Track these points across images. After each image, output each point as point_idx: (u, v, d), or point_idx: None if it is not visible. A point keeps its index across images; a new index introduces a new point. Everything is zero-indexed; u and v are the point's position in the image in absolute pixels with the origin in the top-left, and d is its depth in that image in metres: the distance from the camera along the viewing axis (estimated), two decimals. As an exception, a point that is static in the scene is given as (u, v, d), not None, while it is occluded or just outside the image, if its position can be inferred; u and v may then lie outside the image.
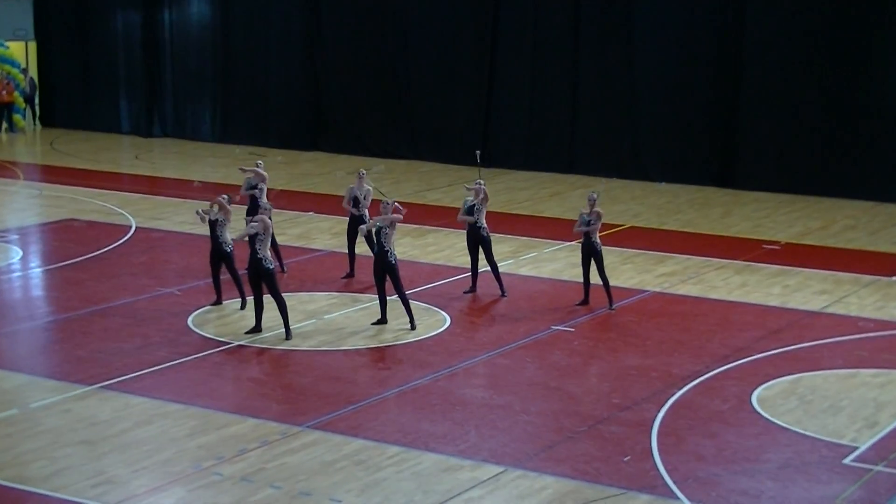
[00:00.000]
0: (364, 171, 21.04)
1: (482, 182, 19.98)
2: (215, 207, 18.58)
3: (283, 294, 17.34)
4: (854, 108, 29.11)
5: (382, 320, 17.90)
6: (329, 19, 35.50)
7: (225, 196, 18.82)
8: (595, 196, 19.20)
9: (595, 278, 19.08)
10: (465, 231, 19.97)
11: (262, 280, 17.19)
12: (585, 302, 19.25)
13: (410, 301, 17.95)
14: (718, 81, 30.52)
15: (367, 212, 20.60)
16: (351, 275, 20.74)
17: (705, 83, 30.67)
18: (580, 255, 19.28)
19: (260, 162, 22.25)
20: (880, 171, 28.98)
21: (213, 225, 18.58)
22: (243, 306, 18.58)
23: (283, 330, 17.24)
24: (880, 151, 29.01)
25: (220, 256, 18.71)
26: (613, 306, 19.07)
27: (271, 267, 17.27)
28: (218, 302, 18.88)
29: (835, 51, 29.21)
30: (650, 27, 31.21)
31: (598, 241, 18.97)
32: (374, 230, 18.13)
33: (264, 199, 20.36)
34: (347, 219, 20.86)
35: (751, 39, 30.13)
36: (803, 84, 29.58)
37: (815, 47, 29.40)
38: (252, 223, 17.28)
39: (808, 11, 29.48)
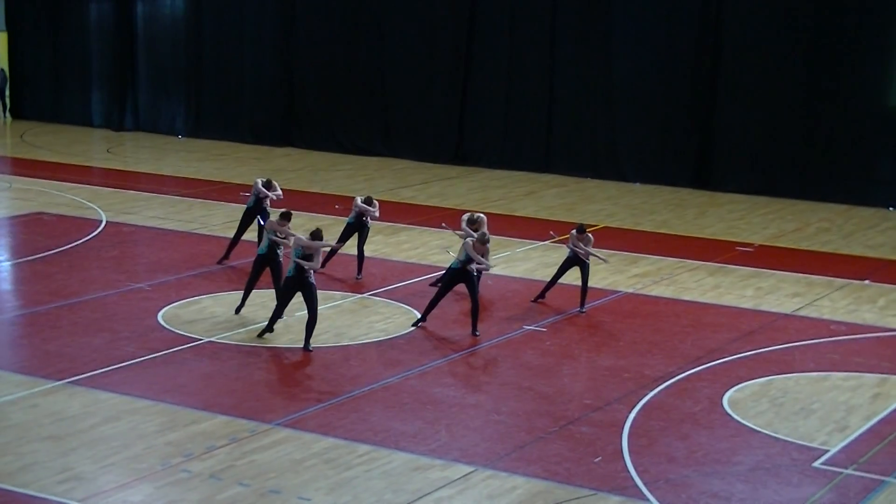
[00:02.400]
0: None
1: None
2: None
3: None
4: (830, 111, 29.23)
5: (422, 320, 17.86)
6: (303, 14, 35.37)
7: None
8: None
9: (567, 280, 19.08)
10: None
11: (301, 291, 16.76)
12: (542, 297, 19.29)
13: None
14: (695, 83, 30.58)
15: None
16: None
17: (682, 84, 30.72)
18: (563, 258, 19.23)
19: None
20: (855, 175, 29.12)
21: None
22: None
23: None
24: (855, 155, 29.14)
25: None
26: (584, 309, 19.03)
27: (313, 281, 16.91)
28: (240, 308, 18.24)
29: (812, 55, 29.31)
30: (628, 27, 31.23)
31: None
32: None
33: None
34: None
35: (728, 42, 30.20)
36: (780, 87, 29.67)
37: (792, 51, 29.49)
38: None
39: (785, 15, 29.56)
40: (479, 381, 15.84)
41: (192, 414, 14.09)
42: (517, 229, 24.73)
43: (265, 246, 17.92)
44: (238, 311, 18.10)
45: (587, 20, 31.71)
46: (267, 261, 17.91)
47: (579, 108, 32.02)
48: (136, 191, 28.00)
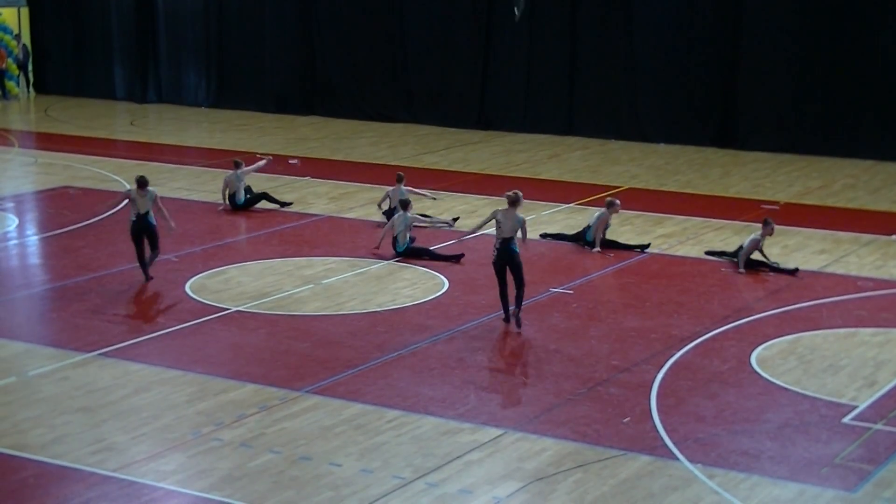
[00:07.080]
0: None
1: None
2: None
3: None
4: (853, 66, 28.98)
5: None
6: (324, -18, 35.31)
7: None
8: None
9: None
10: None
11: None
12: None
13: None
14: (717, 41, 30.38)
15: None
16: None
17: (704, 43, 30.53)
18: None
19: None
20: (880, 130, 28.90)
21: None
22: None
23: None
24: (880, 110, 28.92)
25: None
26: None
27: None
28: None
29: (834, 9, 29.05)
30: (648, -13, 31.05)
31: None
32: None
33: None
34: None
35: (750, -1, 30.01)
36: (802, 43, 29.45)
37: (815, 6, 29.24)
38: None
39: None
40: (507, 345, 15.88)
41: (221, 383, 14.18)
42: (542, 192, 24.66)
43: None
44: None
45: (608, -20, 31.56)
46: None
47: (601, 70, 31.87)
48: (161, 163, 28.08)
